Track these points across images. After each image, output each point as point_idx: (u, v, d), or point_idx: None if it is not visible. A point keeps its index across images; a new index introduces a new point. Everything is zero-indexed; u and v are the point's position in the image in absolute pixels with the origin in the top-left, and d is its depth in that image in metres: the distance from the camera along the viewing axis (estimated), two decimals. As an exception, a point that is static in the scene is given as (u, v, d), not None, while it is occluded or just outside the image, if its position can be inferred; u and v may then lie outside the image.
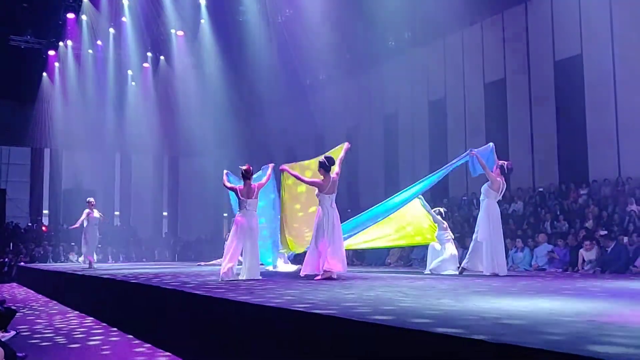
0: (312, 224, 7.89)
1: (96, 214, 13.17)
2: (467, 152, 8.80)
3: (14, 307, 7.56)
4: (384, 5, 18.00)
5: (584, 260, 10.48)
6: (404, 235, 10.23)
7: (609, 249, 10.24)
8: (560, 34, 15.03)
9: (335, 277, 7.38)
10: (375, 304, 4.06)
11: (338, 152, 8.38)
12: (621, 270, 9.70)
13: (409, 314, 3.45)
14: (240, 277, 7.57)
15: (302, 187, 8.97)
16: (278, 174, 9.02)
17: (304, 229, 8.99)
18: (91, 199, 13.35)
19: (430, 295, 4.92)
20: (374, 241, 10.43)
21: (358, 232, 9.66)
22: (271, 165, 9.11)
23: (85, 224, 13.08)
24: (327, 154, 8.25)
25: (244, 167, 7.99)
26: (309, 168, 8.92)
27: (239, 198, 7.93)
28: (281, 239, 9.16)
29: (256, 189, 7.99)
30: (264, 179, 8.58)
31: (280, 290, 5.48)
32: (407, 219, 10.05)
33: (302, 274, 7.61)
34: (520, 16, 16.11)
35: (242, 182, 7.99)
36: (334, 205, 7.72)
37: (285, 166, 8.61)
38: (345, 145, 8.35)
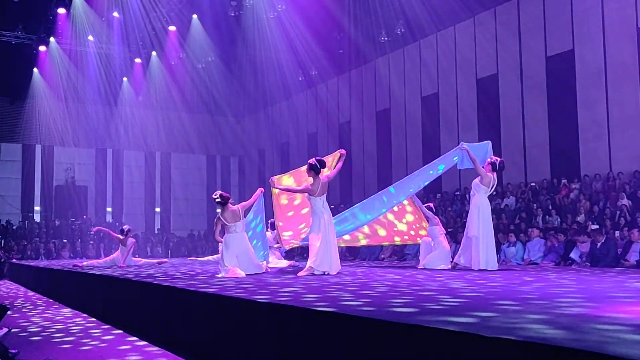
0: (300, 222, 7.90)
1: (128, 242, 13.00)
2: (459, 146, 8.81)
3: (6, 304, 7.53)
4: (377, 1, 18.00)
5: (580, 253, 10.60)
6: (396, 233, 10.27)
7: (599, 244, 10.29)
8: (552, 29, 15.09)
9: (318, 273, 7.35)
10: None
11: (334, 160, 8.35)
12: (611, 264, 9.76)
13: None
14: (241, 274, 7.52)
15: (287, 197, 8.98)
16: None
17: (295, 227, 9.06)
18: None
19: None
20: (367, 239, 10.47)
21: (351, 231, 9.68)
22: (260, 189, 9.03)
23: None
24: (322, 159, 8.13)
25: (217, 195, 7.96)
26: (299, 176, 8.85)
27: (225, 225, 7.90)
28: (277, 236, 9.23)
29: (240, 210, 8.00)
30: (249, 200, 8.58)
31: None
32: (399, 217, 10.09)
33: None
34: (512, 12, 16.15)
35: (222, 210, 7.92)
36: (326, 205, 7.74)
37: (274, 178, 8.52)
38: (341, 153, 8.30)
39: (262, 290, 4.93)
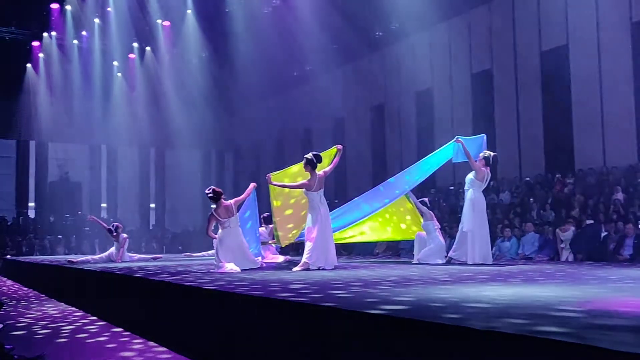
0: (297, 221, 7.90)
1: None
2: (454, 139, 8.83)
3: (0, 300, 7.52)
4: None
5: (561, 241, 10.73)
6: (392, 229, 10.28)
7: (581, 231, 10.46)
8: (547, 24, 15.11)
9: (313, 269, 7.36)
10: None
11: (330, 155, 8.35)
12: (596, 251, 9.86)
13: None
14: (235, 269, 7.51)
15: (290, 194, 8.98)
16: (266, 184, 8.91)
17: (291, 225, 9.08)
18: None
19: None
20: (362, 235, 10.47)
21: (346, 227, 9.70)
22: (253, 184, 8.99)
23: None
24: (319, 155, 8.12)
25: (209, 191, 7.95)
26: (295, 173, 8.84)
27: (219, 221, 7.90)
28: (274, 232, 9.25)
29: (233, 206, 7.98)
30: (243, 195, 8.55)
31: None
32: (394, 213, 10.11)
33: (311, 267, 7.43)
34: (507, 6, 16.16)
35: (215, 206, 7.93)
36: (323, 200, 7.75)
37: (271, 175, 8.50)
38: (338, 148, 8.30)
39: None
